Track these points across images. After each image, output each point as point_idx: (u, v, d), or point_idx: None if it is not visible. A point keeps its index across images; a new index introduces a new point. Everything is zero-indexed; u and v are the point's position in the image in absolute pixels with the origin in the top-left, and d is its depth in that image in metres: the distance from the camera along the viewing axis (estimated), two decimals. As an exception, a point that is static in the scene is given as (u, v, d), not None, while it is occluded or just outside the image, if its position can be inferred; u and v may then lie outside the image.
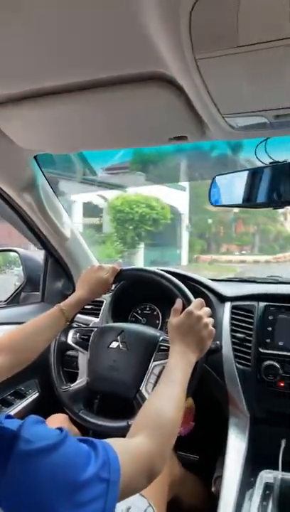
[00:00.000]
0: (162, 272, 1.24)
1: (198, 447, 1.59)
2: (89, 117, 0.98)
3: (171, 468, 1.25)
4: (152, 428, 0.79)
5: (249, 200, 1.16)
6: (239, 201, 1.19)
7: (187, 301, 1.13)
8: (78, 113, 0.96)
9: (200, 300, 1.09)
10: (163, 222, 9.54)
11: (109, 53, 0.74)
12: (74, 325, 1.35)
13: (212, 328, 1.05)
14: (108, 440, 0.68)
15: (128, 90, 0.84)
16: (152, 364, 1.17)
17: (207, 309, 1.08)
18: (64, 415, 1.32)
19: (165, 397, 0.88)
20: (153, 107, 0.90)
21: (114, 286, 1.42)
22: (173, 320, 1.05)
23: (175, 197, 9.98)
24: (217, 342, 1.32)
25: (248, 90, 0.73)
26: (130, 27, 0.66)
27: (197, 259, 10.76)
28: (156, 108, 0.90)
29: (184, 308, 1.07)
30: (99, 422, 1.17)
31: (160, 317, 1.60)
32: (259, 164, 1.10)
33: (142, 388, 1.15)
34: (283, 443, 1.21)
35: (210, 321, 1.05)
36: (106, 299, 1.58)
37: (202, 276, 1.58)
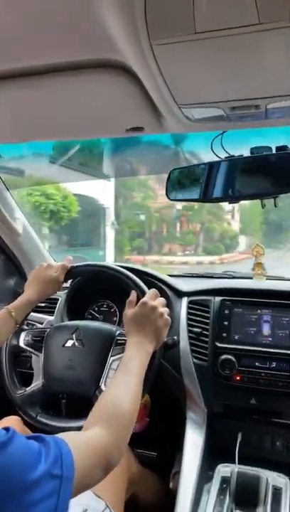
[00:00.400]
0: (113, 266, 1.22)
1: (156, 444, 1.58)
2: (41, 105, 0.93)
3: (128, 467, 1.23)
4: (108, 419, 0.77)
5: (205, 195, 1.15)
6: (197, 195, 1.18)
7: (141, 293, 1.12)
8: (30, 100, 0.91)
9: (153, 290, 1.09)
10: (67, 217, 7.17)
11: (63, 38, 0.70)
12: (26, 326, 1.29)
13: (168, 318, 1.05)
14: (61, 435, 0.66)
15: (83, 77, 0.81)
16: (110, 359, 1.15)
17: (161, 299, 1.08)
18: (16, 417, 1.26)
19: (122, 387, 0.87)
20: (109, 95, 0.87)
21: (66, 284, 1.38)
22: (128, 312, 1.04)
23: (97, 187, 7.74)
24: (175, 337, 1.31)
25: (204, 80, 0.72)
26: (83, 11, 0.63)
27: (127, 261, 9.13)
28: (112, 97, 0.87)
29: (139, 300, 1.06)
30: (59, 424, 1.13)
31: (118, 314, 1.58)
32: (214, 158, 1.09)
33: (101, 384, 1.12)
34: (239, 436, 1.22)
35: (165, 310, 1.05)
36: (61, 296, 1.54)
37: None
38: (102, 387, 1.12)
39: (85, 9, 0.62)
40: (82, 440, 0.70)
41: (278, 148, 0.99)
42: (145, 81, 0.77)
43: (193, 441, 1.25)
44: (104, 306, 1.62)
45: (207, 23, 0.59)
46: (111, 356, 1.16)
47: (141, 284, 1.17)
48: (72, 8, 0.62)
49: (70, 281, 1.51)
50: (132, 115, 0.94)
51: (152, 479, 1.44)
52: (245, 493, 1.04)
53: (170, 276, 1.60)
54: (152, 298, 1.06)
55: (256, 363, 1.23)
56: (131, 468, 1.26)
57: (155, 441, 1.55)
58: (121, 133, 1.02)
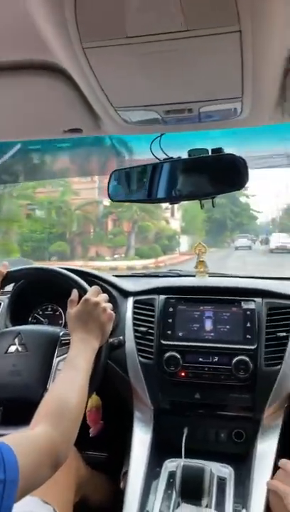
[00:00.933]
0: (51, 267, 1.22)
1: (106, 444, 1.58)
2: None
3: (77, 470, 1.23)
4: (55, 415, 0.77)
5: (148, 196, 1.17)
6: (139, 196, 1.20)
7: (82, 291, 1.13)
8: None
9: (95, 287, 1.10)
10: None
11: None
12: None
13: (111, 312, 1.07)
14: (3, 438, 0.65)
15: (20, 78, 0.80)
16: (56, 360, 1.15)
17: (104, 295, 1.09)
18: None
19: (68, 382, 0.87)
20: (46, 97, 0.86)
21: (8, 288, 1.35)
22: (71, 310, 1.05)
23: None
24: (120, 337, 1.32)
25: (138, 83, 0.73)
26: (14, 11, 0.62)
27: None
28: (49, 98, 0.87)
29: (81, 298, 1.06)
30: (4, 432, 1.10)
31: (63, 316, 1.56)
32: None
33: (49, 386, 1.11)
34: (185, 431, 1.25)
35: (108, 305, 1.07)
36: (3, 300, 1.49)
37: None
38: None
39: (15, 9, 0.61)
40: (27, 439, 0.70)
41: (213, 151, 1.02)
42: (80, 83, 0.77)
43: (141, 440, 1.26)
44: (49, 309, 1.60)
45: (137, 28, 0.60)
46: (57, 357, 1.15)
47: (81, 281, 1.17)
48: (4, 8, 0.61)
49: (12, 286, 1.48)
50: (70, 117, 0.94)
51: (101, 480, 1.44)
52: (191, 486, 1.07)
53: (115, 276, 1.61)
54: (94, 294, 1.07)
55: (200, 359, 1.27)
56: (79, 471, 1.25)
57: (105, 442, 1.55)
58: (59, 134, 1.01)
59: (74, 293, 1.10)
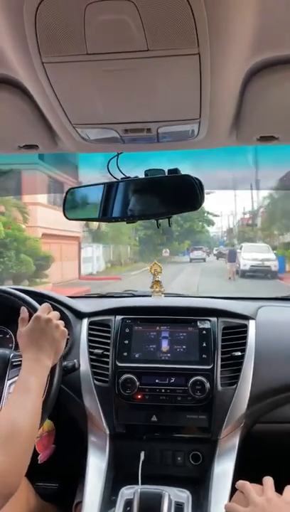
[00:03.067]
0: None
1: (57, 474, 1.51)
2: None
3: (27, 503, 1.16)
4: (5, 441, 0.73)
5: (104, 214, 1.16)
6: (95, 215, 1.19)
7: (32, 309, 1.11)
8: None
9: (45, 304, 1.08)
10: None
11: None
12: None
13: (64, 329, 1.05)
14: None
15: None
16: (7, 383, 1.09)
17: (55, 312, 1.07)
18: None
19: (20, 407, 0.83)
20: (0, 111, 0.84)
21: None
22: (22, 329, 1.02)
23: None
24: (75, 360, 1.28)
25: (98, 101, 0.73)
26: None
27: None
28: (4, 113, 0.84)
29: (32, 316, 1.04)
30: None
31: (14, 339, 1.49)
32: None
33: None
34: (142, 455, 1.22)
35: (60, 322, 1.05)
36: None
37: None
38: None
39: None
40: None
41: (170, 171, 1.04)
42: (38, 99, 0.76)
43: (96, 467, 1.21)
44: None
45: (98, 46, 0.60)
46: (8, 380, 1.10)
47: (30, 300, 1.15)
48: None
49: None
50: (26, 133, 0.91)
51: (53, 513, 1.36)
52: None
53: (69, 297, 1.57)
54: (45, 311, 1.05)
55: (156, 380, 1.25)
56: (30, 504, 1.18)
57: (56, 471, 1.48)
58: (14, 150, 0.98)
59: (24, 310, 1.07)
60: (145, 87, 0.69)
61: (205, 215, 24.19)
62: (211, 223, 26.73)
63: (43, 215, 12.27)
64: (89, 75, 0.66)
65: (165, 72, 0.65)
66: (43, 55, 0.62)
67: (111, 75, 0.66)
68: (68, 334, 1.14)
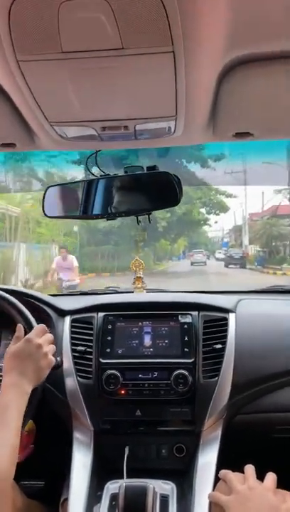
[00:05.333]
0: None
1: (43, 471, 1.51)
2: None
3: (13, 502, 1.15)
4: None
5: (84, 212, 1.16)
6: (75, 213, 1.19)
7: (28, 327, 1.10)
8: None
9: (41, 326, 1.08)
10: None
11: None
12: None
13: (52, 358, 1.06)
14: None
15: None
16: None
17: (48, 336, 1.08)
18: None
19: None
20: None
21: None
22: (12, 347, 1.02)
23: None
24: (58, 358, 1.27)
25: (74, 99, 0.73)
26: None
27: None
28: None
29: (26, 334, 1.04)
30: None
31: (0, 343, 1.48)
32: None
33: None
34: (126, 450, 1.23)
35: (50, 349, 1.05)
36: None
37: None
38: None
39: None
40: None
41: (148, 168, 1.05)
42: (14, 97, 0.76)
43: (81, 463, 1.22)
44: None
45: (72, 44, 0.61)
46: None
47: (29, 316, 1.15)
48: None
49: None
50: (3, 131, 0.91)
51: (40, 511, 1.36)
52: (134, 506, 1.04)
53: (51, 295, 1.56)
54: (38, 334, 1.05)
55: (140, 375, 1.26)
56: (16, 503, 1.18)
57: (42, 469, 1.48)
58: None
59: (20, 328, 1.07)
60: (121, 84, 0.69)
61: (213, 194, 14.23)
62: (224, 209, 17.14)
63: None
64: (64, 73, 0.66)
65: (141, 70, 0.66)
66: (17, 53, 0.62)
67: (86, 73, 0.66)
68: (51, 332, 1.14)
